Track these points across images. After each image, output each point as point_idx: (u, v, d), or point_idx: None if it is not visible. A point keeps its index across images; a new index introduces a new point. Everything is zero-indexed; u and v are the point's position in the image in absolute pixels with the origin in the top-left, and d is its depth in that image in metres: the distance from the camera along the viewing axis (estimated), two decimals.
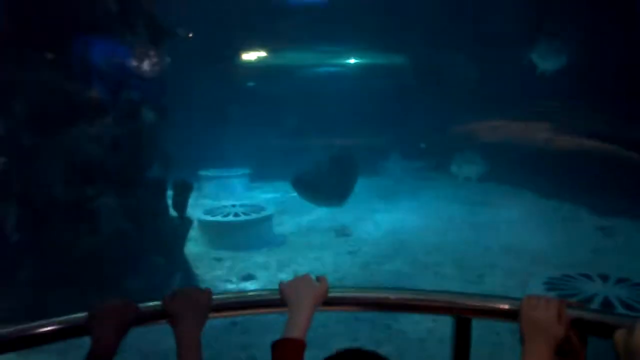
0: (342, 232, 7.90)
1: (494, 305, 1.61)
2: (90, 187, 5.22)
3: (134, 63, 5.62)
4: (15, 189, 5.10)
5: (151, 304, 1.65)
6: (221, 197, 10.07)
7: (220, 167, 10.99)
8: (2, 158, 5.29)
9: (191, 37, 6.07)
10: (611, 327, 1.43)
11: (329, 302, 1.65)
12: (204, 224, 7.51)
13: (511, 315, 1.53)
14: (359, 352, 1.28)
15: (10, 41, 5.16)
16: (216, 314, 1.68)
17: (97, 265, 5.04)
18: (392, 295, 1.70)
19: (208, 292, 1.66)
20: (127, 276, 5.23)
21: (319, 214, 8.92)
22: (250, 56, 13.38)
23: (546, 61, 9.04)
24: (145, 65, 5.71)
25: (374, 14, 12.26)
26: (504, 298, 1.61)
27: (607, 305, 4.18)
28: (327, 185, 8.18)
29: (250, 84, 13.26)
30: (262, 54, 13.47)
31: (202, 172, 10.62)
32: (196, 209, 8.03)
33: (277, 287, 1.69)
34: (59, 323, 1.59)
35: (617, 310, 4.05)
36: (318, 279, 1.68)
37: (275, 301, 1.65)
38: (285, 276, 6.32)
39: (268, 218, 7.68)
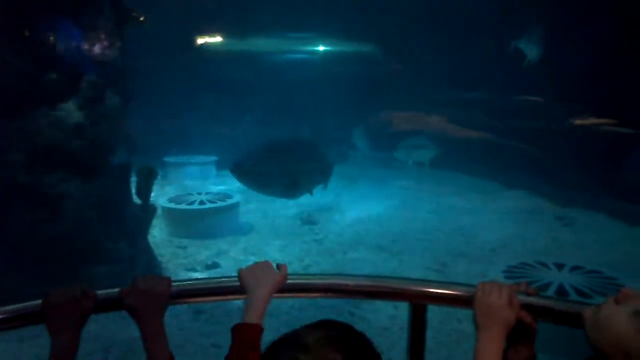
0: (308, 220, 7.95)
1: (449, 291, 1.66)
2: (53, 173, 5.11)
3: (99, 46, 5.49)
4: None
5: (110, 291, 1.65)
6: (186, 184, 10.00)
7: (186, 154, 10.88)
8: None
9: (145, 20, 5.92)
10: (559, 313, 1.50)
11: (288, 289, 1.68)
12: (168, 212, 7.44)
13: (466, 302, 1.58)
14: (336, 322, 1.37)
15: None
16: (177, 301, 1.69)
17: (59, 251, 4.96)
18: (351, 282, 1.74)
19: (167, 281, 1.67)
20: (89, 263, 5.15)
21: (285, 203, 8.93)
22: (218, 42, 13.23)
23: (532, 50, 9.18)
24: (110, 49, 5.59)
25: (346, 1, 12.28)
26: (459, 284, 1.66)
27: (561, 292, 4.33)
28: (268, 174, 6.79)
29: (218, 70, 13.11)
30: (230, 39, 13.33)
31: (168, 159, 10.52)
32: (161, 196, 7.97)
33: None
34: (13, 311, 1.57)
35: (571, 297, 4.21)
36: (278, 266, 1.70)
37: (235, 288, 1.67)
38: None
39: (234, 206, 7.66)
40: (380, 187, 10.05)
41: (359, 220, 8.08)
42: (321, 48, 13.77)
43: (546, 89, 9.69)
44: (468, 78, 10.98)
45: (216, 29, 12.83)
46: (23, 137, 4.99)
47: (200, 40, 12.84)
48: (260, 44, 13.21)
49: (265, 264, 1.71)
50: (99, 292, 1.64)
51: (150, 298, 1.60)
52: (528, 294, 1.57)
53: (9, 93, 5.00)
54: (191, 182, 10.20)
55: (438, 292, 1.67)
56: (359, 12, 12.38)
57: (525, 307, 1.52)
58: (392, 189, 9.91)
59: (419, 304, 1.66)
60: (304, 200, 8.90)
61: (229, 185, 9.73)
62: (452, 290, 1.66)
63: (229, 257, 6.71)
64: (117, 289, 1.66)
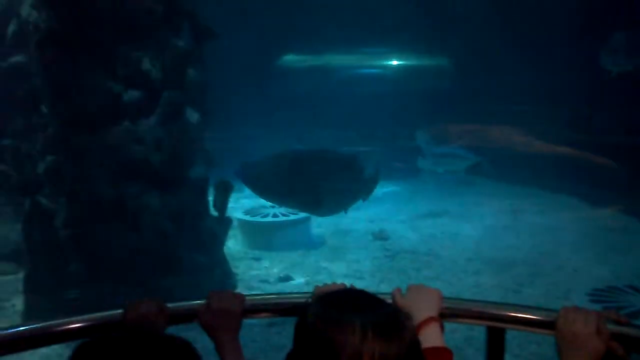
0: (379, 235, 7.87)
1: (528, 315, 1.57)
2: (133, 186, 5.36)
3: (178, 64, 5.73)
4: (65, 187, 5.29)
5: (185, 304, 1.68)
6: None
7: None
8: (51, 156, 5.51)
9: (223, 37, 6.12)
10: None
11: None
12: (243, 224, 7.61)
13: (547, 327, 1.49)
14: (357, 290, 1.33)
15: (60, 44, 5.36)
16: (250, 316, 1.70)
17: (138, 262, 5.18)
18: None
19: (241, 298, 1.70)
20: (167, 274, 5.35)
21: (357, 218, 8.90)
22: (292, 57, 13.48)
23: (618, 61, 8.55)
24: (189, 66, 5.82)
25: (416, 16, 12.17)
26: (539, 309, 1.57)
27: None
28: (287, 186, 5.70)
29: (291, 86, 13.36)
30: (304, 55, 13.55)
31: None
32: (236, 209, 8.14)
33: (312, 289, 1.71)
34: (93, 319, 1.64)
35: None
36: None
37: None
38: (323, 278, 6.34)
39: (306, 219, 7.71)
40: (451, 200, 9.80)
41: (433, 237, 7.91)
42: (394, 62, 13.71)
43: (636, 102, 9.10)
44: (548, 90, 10.53)
45: (290, 45, 13.06)
46: (106, 151, 5.27)
47: (274, 56, 13.12)
48: (334, 59, 13.34)
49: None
50: (174, 305, 1.69)
51: (225, 315, 1.64)
52: (619, 323, 1.45)
53: (93, 110, 5.30)
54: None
55: (517, 317, 1.58)
56: (431, 26, 12.24)
57: (616, 337, 1.40)
58: (465, 205, 9.63)
59: (497, 327, 1.58)
60: (377, 215, 8.86)
61: None
62: (532, 315, 1.56)
63: (301, 270, 6.75)
64: (192, 302, 1.69)
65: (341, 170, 5.84)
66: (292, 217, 7.63)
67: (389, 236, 7.88)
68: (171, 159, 5.54)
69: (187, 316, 1.68)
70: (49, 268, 5.44)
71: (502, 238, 7.72)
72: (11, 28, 7.23)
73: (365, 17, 12.15)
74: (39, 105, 5.90)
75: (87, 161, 5.21)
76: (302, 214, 7.74)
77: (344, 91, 12.75)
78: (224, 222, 6.24)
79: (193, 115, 5.84)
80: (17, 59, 7.01)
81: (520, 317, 1.57)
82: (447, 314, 1.62)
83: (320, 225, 8.46)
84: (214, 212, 6.20)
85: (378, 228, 8.12)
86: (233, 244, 7.46)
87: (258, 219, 7.60)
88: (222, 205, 6.21)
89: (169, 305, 1.70)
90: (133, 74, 5.45)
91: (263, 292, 5.64)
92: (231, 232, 6.86)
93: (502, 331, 1.58)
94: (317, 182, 5.43)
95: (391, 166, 11.76)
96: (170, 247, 5.45)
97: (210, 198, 6.19)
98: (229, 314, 1.64)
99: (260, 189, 5.71)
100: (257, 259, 7.11)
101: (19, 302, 5.62)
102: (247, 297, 1.71)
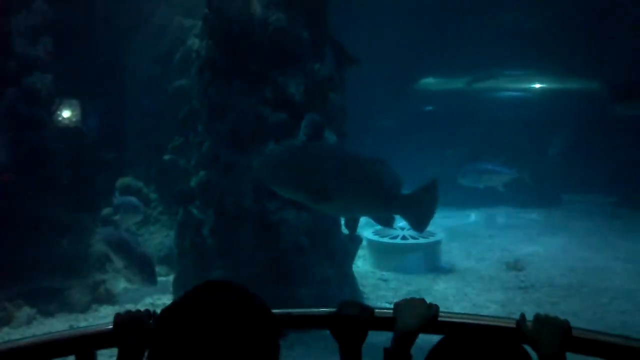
0: (514, 265, 7.53)
1: None
2: (273, 202, 5.72)
3: (320, 88, 6.04)
4: (214, 199, 5.81)
5: (318, 310, 1.88)
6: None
7: None
8: (203, 171, 6.08)
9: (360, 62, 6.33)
10: None
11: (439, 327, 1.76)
12: (372, 244, 7.72)
13: None
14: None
15: (219, 72, 5.95)
16: (376, 329, 1.80)
17: (274, 272, 5.50)
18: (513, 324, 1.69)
19: (369, 310, 1.83)
20: (300, 285, 5.61)
21: (490, 246, 8.64)
22: (430, 81, 13.48)
23: None
24: (330, 91, 6.11)
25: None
26: None
27: None
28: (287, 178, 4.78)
29: (427, 108, 13.34)
30: (440, 79, 13.48)
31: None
32: (366, 228, 8.29)
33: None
34: None
35: None
36: (430, 305, 1.80)
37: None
38: (449, 304, 6.23)
39: (436, 244, 7.64)
40: (596, 233, 9.12)
41: (573, 270, 7.40)
42: (537, 85, 13.13)
43: None
44: None
45: (429, 68, 13.07)
46: (252, 169, 5.68)
47: (412, 80, 13.21)
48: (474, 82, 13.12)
49: (421, 300, 1.80)
50: (307, 310, 1.90)
51: (353, 324, 1.77)
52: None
53: (243, 130, 5.77)
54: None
55: None
56: (581, 47, 11.54)
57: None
58: (608, 236, 8.92)
59: None
60: (512, 243, 8.53)
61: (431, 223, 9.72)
62: None
63: (429, 296, 6.65)
64: (324, 309, 1.86)
65: (358, 173, 4.97)
66: (422, 240, 7.60)
67: (525, 267, 7.52)
68: None
69: (319, 321, 1.83)
70: (196, 272, 5.97)
71: None
72: (177, 55, 8.15)
73: (507, 38, 11.80)
74: (196, 125, 6.57)
75: (235, 177, 5.66)
76: (433, 238, 7.68)
77: (483, 114, 12.48)
78: (354, 240, 6.40)
79: (332, 137, 6.10)
80: (180, 82, 7.88)
81: None
82: (577, 346, 1.60)
83: (450, 250, 8.33)
84: (345, 230, 6.40)
85: (513, 258, 7.77)
86: (362, 263, 7.61)
87: (387, 240, 7.67)
88: (353, 223, 6.39)
89: (303, 310, 1.90)
90: (279, 98, 5.86)
91: None
92: (360, 252, 7.01)
93: None
94: (326, 178, 4.71)
95: (528, 192, 11.29)
96: (304, 260, 5.72)
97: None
98: (357, 323, 1.76)
99: (268, 176, 4.93)
100: (385, 280, 7.17)
101: (169, 302, 6.22)
102: (376, 310, 1.82)
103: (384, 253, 7.60)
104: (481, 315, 1.89)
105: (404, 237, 7.70)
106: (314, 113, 5.91)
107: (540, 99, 13.14)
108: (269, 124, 5.82)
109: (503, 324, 1.74)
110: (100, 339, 1.72)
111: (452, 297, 6.62)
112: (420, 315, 1.75)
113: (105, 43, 8.13)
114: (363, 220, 6.85)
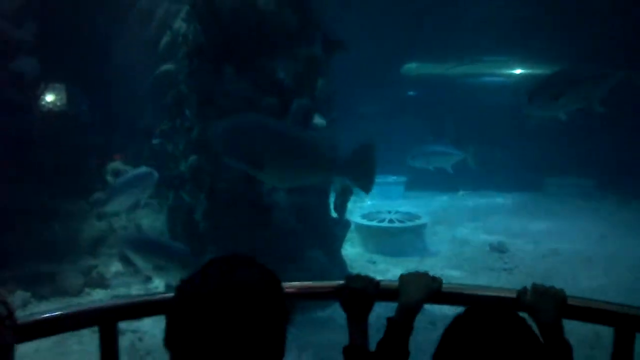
0: (497, 247, 7.73)
1: None
2: (264, 184, 5.79)
3: (309, 74, 6.10)
4: (204, 184, 5.86)
5: (327, 283, 2.00)
6: (378, 202, 10.41)
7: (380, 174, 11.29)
8: (193, 156, 6.12)
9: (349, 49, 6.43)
10: None
11: (442, 297, 1.87)
12: (360, 228, 7.85)
13: None
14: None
15: (208, 57, 5.96)
16: (383, 300, 1.90)
17: (266, 256, 5.56)
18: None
19: (375, 283, 1.91)
20: (291, 269, 5.70)
21: (475, 228, 8.84)
22: (414, 66, 13.57)
23: None
24: (319, 76, 6.17)
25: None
26: None
27: None
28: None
29: (412, 93, 13.45)
30: (426, 64, 13.58)
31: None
32: (354, 213, 8.41)
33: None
34: None
35: None
36: (434, 278, 1.89)
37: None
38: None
39: (422, 227, 7.80)
40: (577, 214, 9.38)
41: (554, 252, 7.62)
42: (518, 71, 13.31)
43: None
44: None
45: (413, 53, 13.16)
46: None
47: (396, 65, 13.29)
48: (455, 67, 13.24)
49: (424, 273, 1.89)
50: (318, 282, 2.01)
51: (360, 296, 1.87)
52: None
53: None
54: (382, 200, 10.58)
55: None
56: (560, 31, 11.72)
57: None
58: (586, 220, 9.17)
59: (627, 330, 1.63)
60: (495, 226, 8.73)
61: (416, 207, 9.91)
62: None
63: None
64: (333, 281, 1.95)
65: (289, 143, 5.02)
66: (408, 224, 7.75)
67: (508, 249, 7.72)
68: None
69: (328, 294, 1.96)
70: None
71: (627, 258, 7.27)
72: (164, 39, 8.11)
73: (487, 24, 11.91)
74: (183, 110, 6.58)
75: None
76: (418, 221, 7.83)
77: (464, 100, 12.63)
78: (343, 224, 6.52)
79: (320, 122, 6.18)
80: (167, 67, 7.85)
81: None
82: (573, 314, 1.69)
83: (436, 233, 8.50)
84: (334, 214, 6.51)
85: (497, 240, 7.96)
86: (350, 246, 7.73)
87: (375, 223, 7.81)
88: (342, 207, 6.51)
89: (314, 282, 2.01)
90: (269, 83, 5.90)
91: None
92: (349, 235, 7.13)
93: (631, 335, 1.62)
94: (259, 149, 4.78)
95: (509, 176, 11.54)
96: (295, 244, 5.82)
97: (331, 200, 6.50)
98: (364, 295, 1.86)
99: (218, 148, 5.07)
100: (373, 262, 7.32)
101: (161, 285, 6.29)
102: (382, 283, 1.91)
103: (371, 236, 7.74)
104: (483, 286, 1.97)
105: (390, 221, 7.84)
106: (303, 98, 5.97)
107: (520, 84, 13.31)
108: (259, 109, 5.86)
109: (504, 295, 1.82)
110: (122, 311, 1.82)
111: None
112: (424, 288, 1.82)
113: (91, 27, 8.06)
114: (350, 204, 6.95)
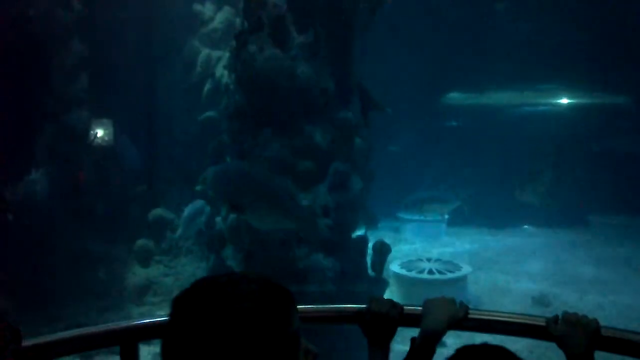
0: (540, 300, 7.52)
1: None
2: (302, 248, 5.86)
3: (346, 136, 6.15)
4: (243, 246, 5.98)
5: (348, 306, 1.97)
6: (417, 242, 10.33)
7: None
8: (233, 215, 6.20)
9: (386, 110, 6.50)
10: None
11: (468, 324, 1.87)
12: (399, 277, 7.80)
13: None
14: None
15: (246, 116, 6.10)
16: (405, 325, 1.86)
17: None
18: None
19: (399, 308, 1.86)
20: (326, 331, 5.74)
21: (516, 276, 8.65)
22: (457, 96, 13.39)
23: None
24: (356, 138, 6.21)
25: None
26: None
27: None
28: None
29: (455, 124, 13.29)
30: (467, 93, 13.39)
31: (401, 215, 10.90)
32: (393, 261, 8.30)
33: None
34: None
35: None
36: (460, 304, 1.88)
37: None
38: (475, 341, 6.28)
39: (463, 279, 7.69)
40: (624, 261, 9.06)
41: (601, 307, 7.37)
42: (565, 101, 12.97)
43: None
44: None
45: (455, 83, 12.98)
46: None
47: (438, 95, 13.14)
48: (499, 97, 13.01)
49: (450, 299, 1.85)
50: (339, 306, 2.00)
51: (382, 320, 1.81)
52: None
53: None
54: (422, 240, 10.51)
55: None
56: (611, 62, 11.35)
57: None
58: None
59: None
60: (538, 274, 8.52)
61: (456, 248, 9.83)
62: None
63: (455, 333, 6.72)
64: (355, 305, 1.91)
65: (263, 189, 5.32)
66: (449, 275, 7.64)
67: (551, 302, 7.50)
68: (335, 225, 5.96)
69: (349, 318, 1.90)
70: None
71: None
72: (207, 86, 8.32)
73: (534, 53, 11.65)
74: (225, 159, 6.76)
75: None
76: (459, 273, 7.74)
77: (508, 129, 12.39)
78: (381, 283, 6.51)
79: (357, 182, 6.21)
80: (210, 114, 8.06)
81: None
82: (607, 346, 1.62)
83: (477, 281, 8.36)
84: (371, 273, 6.51)
85: (539, 291, 7.76)
86: (389, 294, 7.69)
87: (414, 274, 7.73)
88: (379, 266, 6.50)
89: (334, 306, 2.01)
90: (305, 145, 5.98)
91: None
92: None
93: None
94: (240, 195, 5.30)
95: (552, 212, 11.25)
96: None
97: (369, 259, 6.50)
98: (387, 319, 1.80)
99: (212, 192, 5.98)
100: None
101: None
102: (406, 308, 1.87)
103: (410, 287, 7.67)
104: (510, 313, 1.91)
105: (430, 271, 7.75)
106: (339, 162, 6.03)
107: (567, 113, 12.98)
108: (297, 172, 5.95)
109: (532, 322, 1.77)
110: (143, 332, 1.90)
111: (477, 335, 6.66)
112: (448, 315, 1.78)
113: (137, 77, 8.36)
114: (390, 256, 6.93)
